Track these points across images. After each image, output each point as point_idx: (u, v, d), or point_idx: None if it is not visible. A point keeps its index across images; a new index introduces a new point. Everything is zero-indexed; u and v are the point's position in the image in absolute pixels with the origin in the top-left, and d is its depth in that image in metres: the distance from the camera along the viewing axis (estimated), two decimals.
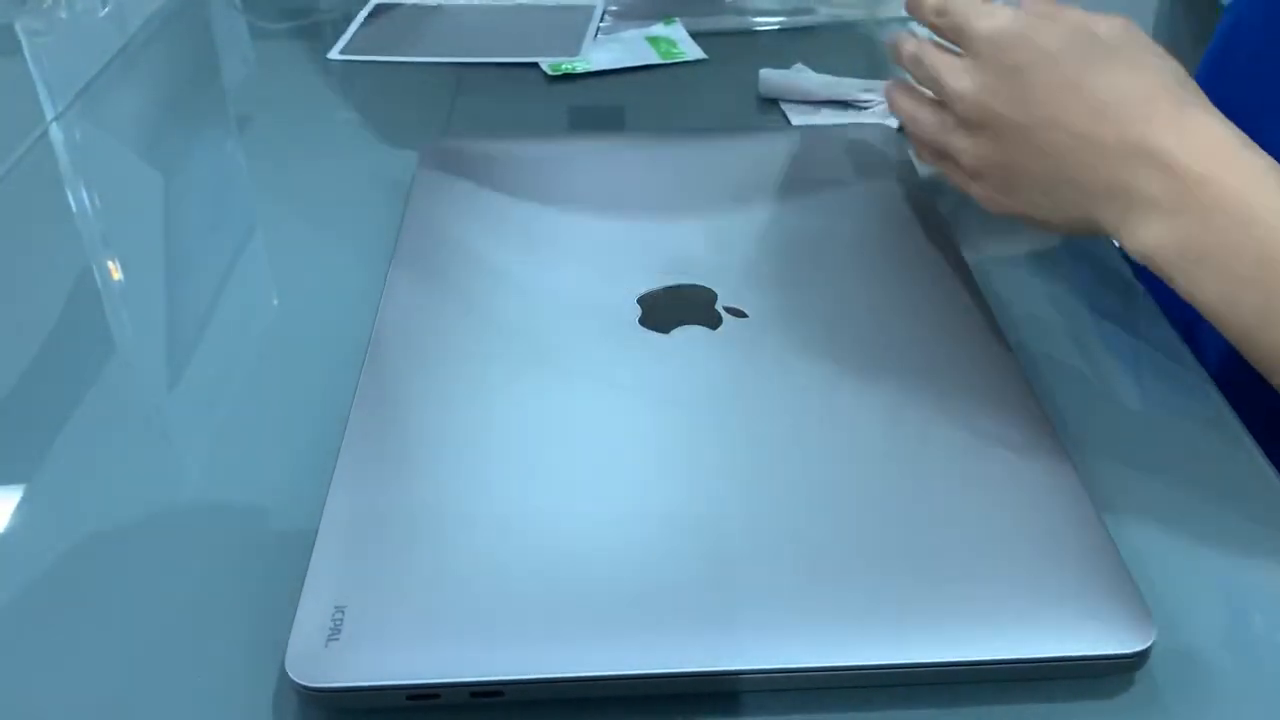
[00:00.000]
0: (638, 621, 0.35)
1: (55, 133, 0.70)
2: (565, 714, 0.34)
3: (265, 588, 0.39)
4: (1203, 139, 0.42)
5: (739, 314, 0.48)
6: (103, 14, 0.88)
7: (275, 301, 0.56)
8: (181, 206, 0.64)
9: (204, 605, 0.39)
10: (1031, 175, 0.46)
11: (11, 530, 0.42)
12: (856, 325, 0.48)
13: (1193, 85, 0.44)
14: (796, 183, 0.59)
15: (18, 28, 0.86)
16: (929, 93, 0.52)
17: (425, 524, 0.38)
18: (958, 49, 0.50)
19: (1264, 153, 0.41)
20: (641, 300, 0.49)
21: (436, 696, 0.34)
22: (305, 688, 0.33)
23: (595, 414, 0.43)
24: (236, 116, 0.74)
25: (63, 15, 0.87)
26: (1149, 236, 0.42)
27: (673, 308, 0.49)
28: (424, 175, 0.59)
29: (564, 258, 0.52)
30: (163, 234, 0.61)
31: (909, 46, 0.52)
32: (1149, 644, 0.34)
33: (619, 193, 0.58)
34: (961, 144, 0.49)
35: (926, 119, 0.51)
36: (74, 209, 0.64)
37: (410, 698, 0.34)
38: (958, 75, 0.49)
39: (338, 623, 0.35)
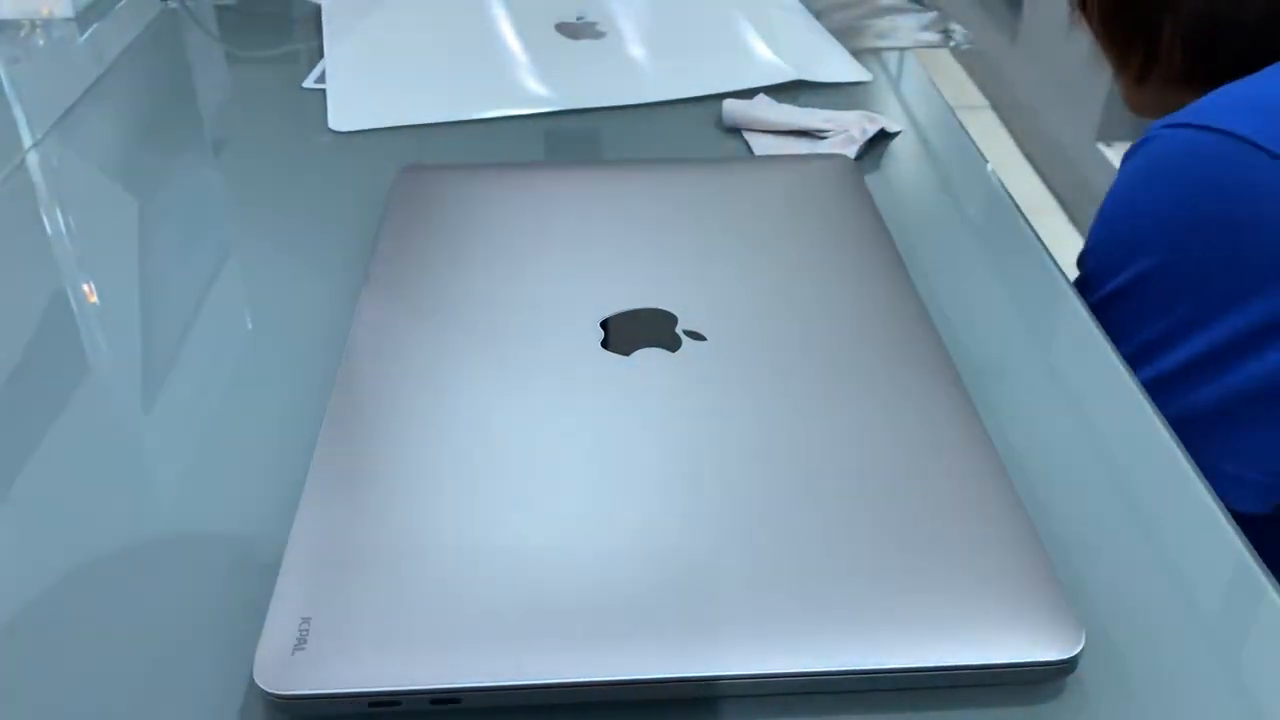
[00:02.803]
0: (592, 631, 0.37)
1: (33, 159, 0.72)
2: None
3: (236, 601, 0.40)
4: None
5: (698, 337, 0.50)
6: (80, 42, 0.89)
7: (249, 325, 0.57)
8: (157, 233, 0.65)
9: (174, 617, 0.40)
10: None
11: None
12: (809, 349, 0.50)
13: None
14: (757, 211, 0.61)
15: None
16: None
17: (390, 539, 0.40)
18: None
19: None
20: (604, 324, 0.51)
21: (397, 704, 0.35)
22: (272, 695, 0.35)
23: (555, 433, 0.45)
24: (212, 143, 0.76)
25: (40, 43, 0.89)
26: None
27: (634, 331, 0.50)
28: (396, 200, 0.61)
29: (531, 282, 0.54)
30: (138, 260, 0.63)
31: None
32: (1077, 651, 0.36)
33: (587, 219, 0.59)
34: None
35: None
36: (51, 236, 0.66)
37: (372, 705, 0.35)
38: None
39: (304, 633, 0.36)
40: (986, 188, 0.70)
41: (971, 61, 2.66)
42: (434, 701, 0.35)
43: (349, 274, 0.57)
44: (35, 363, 0.54)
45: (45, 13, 0.90)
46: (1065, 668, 0.37)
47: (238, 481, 0.46)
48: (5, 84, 0.83)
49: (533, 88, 0.80)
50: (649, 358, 0.49)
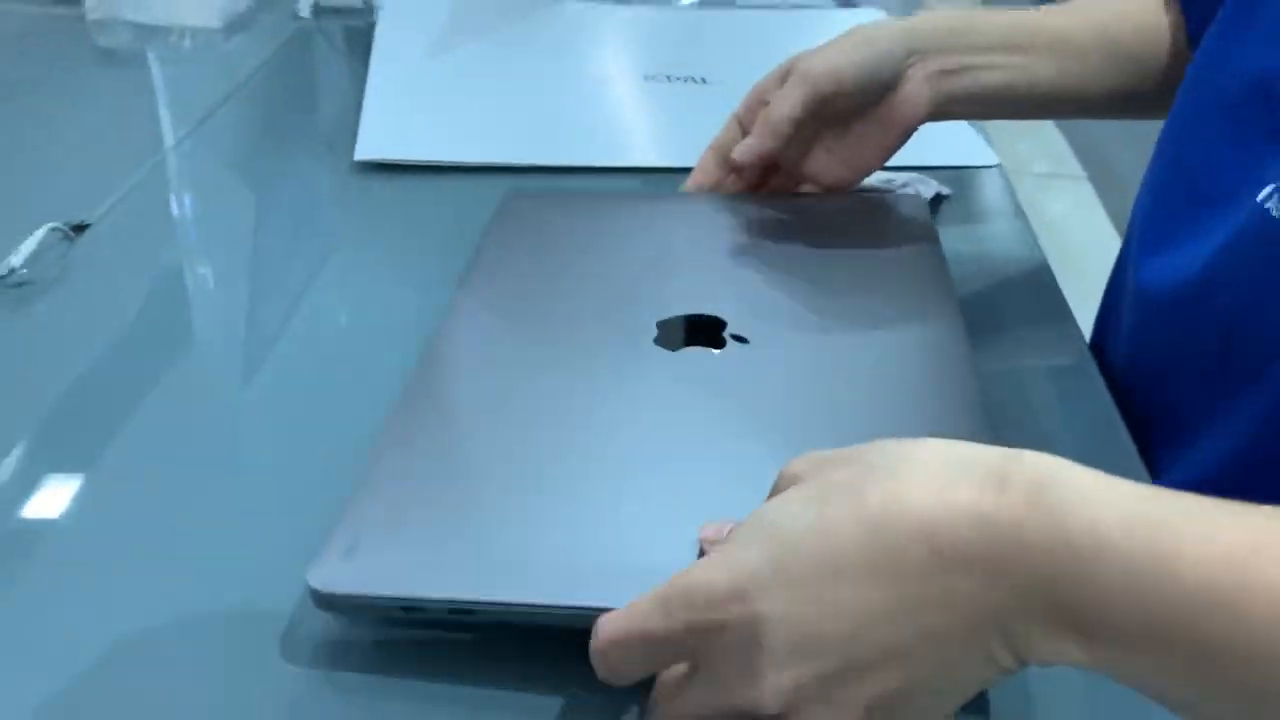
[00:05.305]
0: (598, 571, 0.42)
1: (172, 159, 0.80)
2: (526, 637, 0.43)
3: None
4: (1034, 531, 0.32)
5: (742, 340, 0.55)
6: (222, 52, 0.98)
7: (346, 328, 0.64)
8: (275, 236, 0.72)
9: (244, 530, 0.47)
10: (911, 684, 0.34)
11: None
12: (846, 367, 0.54)
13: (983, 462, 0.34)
14: (825, 239, 0.65)
15: (149, 56, 0.97)
16: None
17: (438, 480, 0.47)
18: None
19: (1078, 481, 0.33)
20: (660, 324, 0.56)
21: (423, 610, 0.42)
22: (318, 592, 0.42)
23: (600, 410, 0.51)
24: (333, 158, 0.82)
25: (187, 50, 0.98)
26: (1045, 646, 0.33)
27: (684, 332, 0.56)
28: (499, 220, 0.67)
29: (603, 289, 0.60)
30: (254, 260, 0.70)
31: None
32: None
33: (665, 241, 0.65)
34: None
35: None
36: (179, 230, 0.74)
37: (404, 609, 0.42)
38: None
39: (356, 545, 0.43)
40: (1030, 257, 0.73)
41: (1071, 129, 2.66)
42: (451, 611, 0.42)
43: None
44: (149, 342, 0.61)
45: (195, 22, 0.99)
46: None
47: (320, 458, 0.53)
48: (157, 85, 0.92)
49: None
50: (694, 354, 0.54)
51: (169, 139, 0.82)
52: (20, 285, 0.63)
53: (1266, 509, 0.32)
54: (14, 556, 0.48)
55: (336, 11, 1.05)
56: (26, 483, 0.51)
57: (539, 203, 0.70)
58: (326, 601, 0.42)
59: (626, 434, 0.50)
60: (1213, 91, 0.60)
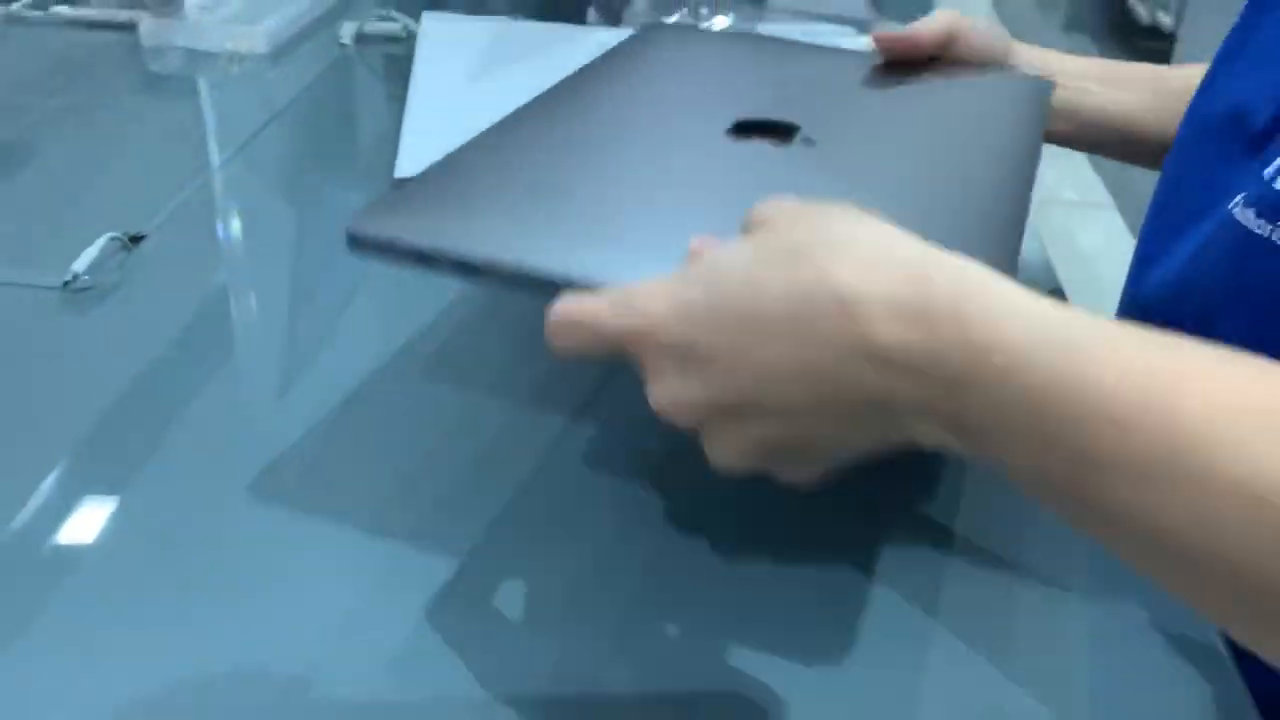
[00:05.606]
0: (588, 252, 0.46)
1: (218, 177, 0.84)
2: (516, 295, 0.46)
3: None
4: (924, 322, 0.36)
5: (809, 141, 0.58)
6: (269, 77, 1.03)
7: (385, 339, 0.67)
8: (318, 252, 0.76)
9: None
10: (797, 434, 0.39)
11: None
12: (899, 187, 0.55)
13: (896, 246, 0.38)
14: (936, 91, 0.67)
15: (199, 80, 1.01)
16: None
17: (493, 169, 0.53)
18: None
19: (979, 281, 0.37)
20: (737, 121, 0.59)
21: (433, 260, 0.46)
22: (350, 233, 0.47)
23: (657, 154, 0.57)
24: (369, 179, 0.87)
25: (235, 74, 1.03)
26: (928, 437, 0.37)
27: (758, 129, 0.59)
28: (624, 46, 0.71)
29: (712, 93, 0.65)
30: (296, 270, 0.74)
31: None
32: None
33: (783, 80, 0.69)
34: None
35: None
36: (223, 244, 0.78)
37: (418, 257, 0.46)
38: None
39: (396, 206, 0.49)
40: (1039, 265, 0.76)
41: (1098, 159, 2.68)
42: (455, 264, 0.46)
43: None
44: (201, 345, 0.65)
45: (243, 48, 1.04)
46: None
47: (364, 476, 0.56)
48: (206, 107, 0.97)
49: None
50: (759, 143, 0.58)
51: (217, 158, 0.86)
52: (84, 290, 0.68)
53: (1186, 343, 0.36)
54: (51, 571, 0.51)
55: (378, 39, 1.10)
56: (84, 479, 0.55)
57: (671, 33, 0.76)
58: (357, 242, 0.47)
59: (669, 172, 0.54)
60: (1203, 119, 0.64)
